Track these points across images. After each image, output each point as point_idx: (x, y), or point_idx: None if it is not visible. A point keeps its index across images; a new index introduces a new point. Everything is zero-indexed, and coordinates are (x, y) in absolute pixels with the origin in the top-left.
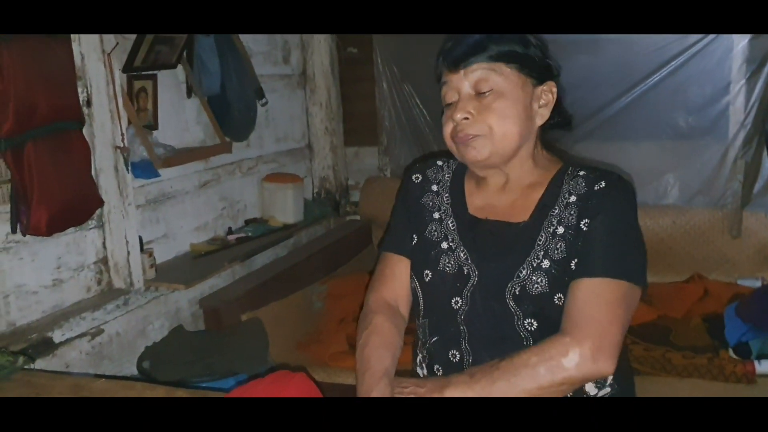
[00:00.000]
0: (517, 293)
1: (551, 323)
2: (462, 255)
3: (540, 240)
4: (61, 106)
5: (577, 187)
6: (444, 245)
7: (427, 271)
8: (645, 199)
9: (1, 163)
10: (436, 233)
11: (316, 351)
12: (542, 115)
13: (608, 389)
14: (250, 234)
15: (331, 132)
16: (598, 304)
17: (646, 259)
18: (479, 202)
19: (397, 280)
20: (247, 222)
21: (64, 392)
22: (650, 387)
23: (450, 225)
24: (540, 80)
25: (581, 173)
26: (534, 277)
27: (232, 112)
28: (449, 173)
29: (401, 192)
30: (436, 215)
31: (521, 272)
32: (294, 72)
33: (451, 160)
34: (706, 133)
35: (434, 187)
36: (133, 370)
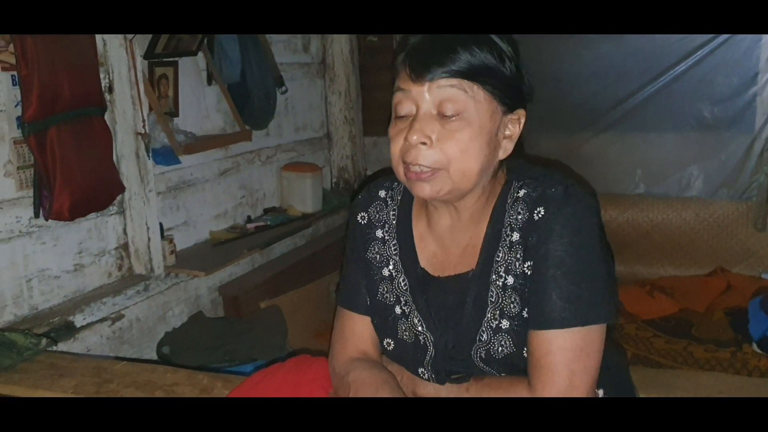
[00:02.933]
0: (483, 356)
1: (525, 371)
2: (416, 321)
3: (491, 296)
4: (83, 92)
5: (518, 218)
6: (398, 310)
7: (388, 340)
8: (668, 191)
9: (24, 148)
10: (388, 295)
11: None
12: (506, 149)
13: None
14: (269, 223)
15: (350, 121)
16: (558, 360)
17: (608, 285)
18: (431, 247)
19: (360, 339)
20: (266, 211)
21: (87, 374)
22: (672, 380)
23: (402, 284)
24: (511, 108)
25: (522, 192)
26: (496, 341)
27: (252, 99)
28: (394, 209)
29: (349, 236)
30: (386, 272)
31: (482, 336)
32: (313, 60)
33: (396, 185)
34: (732, 124)
35: (379, 233)
36: (153, 355)
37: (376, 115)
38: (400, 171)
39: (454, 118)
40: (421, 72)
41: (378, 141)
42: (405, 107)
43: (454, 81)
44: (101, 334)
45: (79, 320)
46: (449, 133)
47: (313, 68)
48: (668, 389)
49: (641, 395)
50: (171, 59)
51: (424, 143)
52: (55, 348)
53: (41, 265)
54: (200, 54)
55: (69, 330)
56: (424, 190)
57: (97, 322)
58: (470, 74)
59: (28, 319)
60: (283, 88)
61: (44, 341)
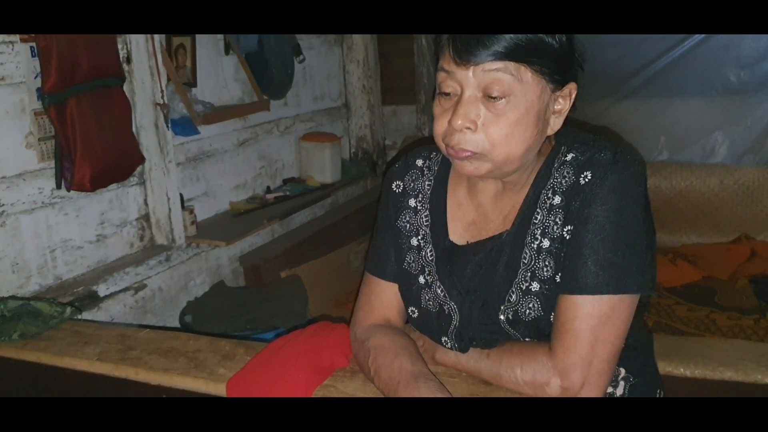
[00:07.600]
0: (511, 318)
1: (550, 337)
2: (439, 292)
3: (525, 258)
4: (102, 62)
5: (563, 181)
6: (421, 279)
7: (412, 308)
8: (692, 157)
9: (45, 120)
10: (414, 264)
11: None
12: (554, 125)
13: (621, 390)
14: (288, 193)
15: (369, 90)
16: (583, 326)
17: (646, 256)
18: (470, 215)
19: (385, 307)
20: (285, 181)
21: (111, 341)
22: (694, 347)
23: (428, 255)
24: (561, 83)
25: (569, 156)
26: (525, 302)
27: (270, 69)
28: (430, 179)
29: (382, 203)
30: (414, 242)
31: (511, 297)
32: None
33: (434, 155)
34: (759, 88)
35: (412, 202)
36: (176, 324)
37: (395, 83)
38: (442, 148)
39: (500, 101)
40: (465, 55)
41: (397, 110)
42: (449, 86)
43: (500, 64)
44: (124, 303)
45: (102, 290)
46: (494, 116)
47: (331, 36)
48: (690, 357)
49: (662, 363)
50: None
51: (468, 128)
52: (79, 317)
53: (64, 235)
54: None
55: (93, 299)
56: (466, 168)
57: (120, 291)
58: (517, 54)
59: (52, 289)
60: (301, 57)
61: (69, 310)
